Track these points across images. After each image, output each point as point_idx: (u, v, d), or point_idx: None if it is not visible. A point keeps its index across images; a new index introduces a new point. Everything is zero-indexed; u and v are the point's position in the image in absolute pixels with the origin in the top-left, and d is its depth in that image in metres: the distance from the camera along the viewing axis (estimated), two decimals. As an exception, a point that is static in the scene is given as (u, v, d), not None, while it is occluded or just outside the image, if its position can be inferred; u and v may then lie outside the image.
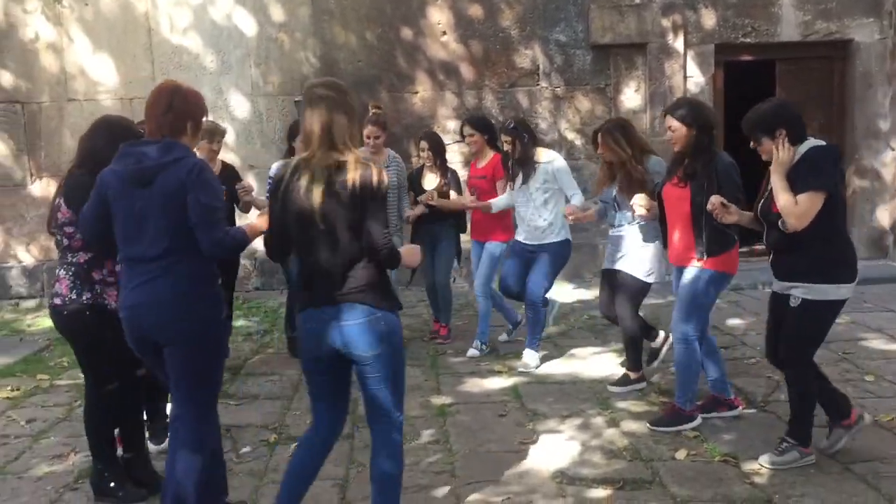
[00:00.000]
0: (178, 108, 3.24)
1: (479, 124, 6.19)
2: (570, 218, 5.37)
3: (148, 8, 8.50)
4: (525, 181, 5.62)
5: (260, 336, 6.93)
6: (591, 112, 8.81)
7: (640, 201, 4.63)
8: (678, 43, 8.58)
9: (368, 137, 5.99)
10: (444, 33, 8.68)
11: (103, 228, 3.27)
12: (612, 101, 8.79)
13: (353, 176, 2.87)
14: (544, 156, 5.65)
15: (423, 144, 6.35)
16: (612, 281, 5.16)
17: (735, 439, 4.30)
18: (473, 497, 3.73)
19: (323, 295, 2.97)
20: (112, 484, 3.79)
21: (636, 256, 5.01)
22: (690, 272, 4.37)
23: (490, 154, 6.17)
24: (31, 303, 8.52)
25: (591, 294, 8.22)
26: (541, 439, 4.39)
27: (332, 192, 2.88)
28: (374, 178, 2.90)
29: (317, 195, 2.88)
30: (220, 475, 3.45)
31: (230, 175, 5.83)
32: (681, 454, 4.11)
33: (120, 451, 3.92)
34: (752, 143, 3.89)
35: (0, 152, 8.59)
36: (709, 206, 4.01)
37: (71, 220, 3.60)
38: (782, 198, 3.69)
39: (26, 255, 8.72)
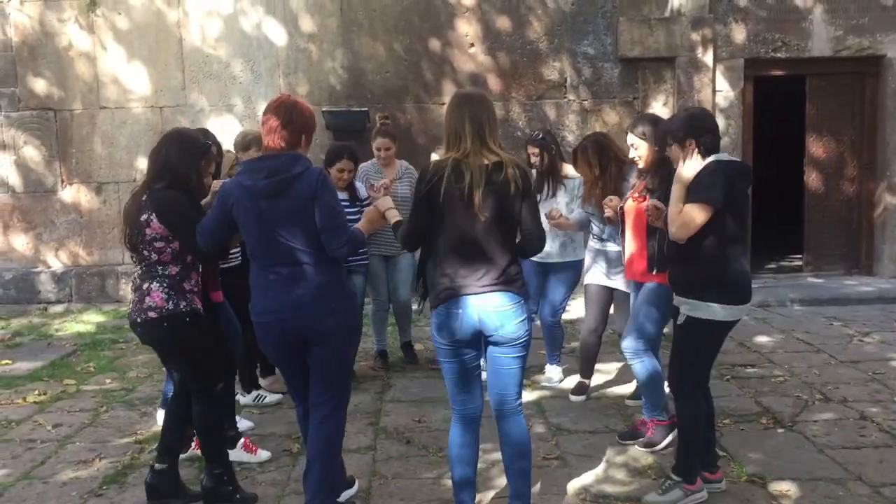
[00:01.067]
0: (297, 122, 3.42)
1: (543, 144, 5.71)
2: (552, 222, 5.02)
3: (180, 17, 8.60)
4: (552, 195, 5.54)
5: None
6: (618, 125, 8.77)
7: (609, 202, 4.63)
8: (707, 57, 8.53)
9: (379, 150, 5.99)
10: (472, 45, 8.70)
11: (224, 238, 3.60)
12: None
13: (511, 173, 3.19)
14: (571, 171, 5.52)
15: (534, 150, 6.15)
16: (604, 297, 5.14)
17: (762, 459, 4.23)
18: (496, 512, 3.70)
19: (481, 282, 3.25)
20: (230, 488, 3.84)
21: (610, 267, 5.02)
22: (647, 287, 4.37)
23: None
24: (59, 308, 8.61)
25: (616, 308, 8.17)
26: (564, 455, 4.36)
27: (492, 189, 3.17)
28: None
29: (478, 193, 3.15)
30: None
31: None
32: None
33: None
34: (666, 151, 3.85)
35: (32, 158, 8.72)
36: (643, 205, 4.02)
37: (162, 234, 3.63)
38: (672, 206, 3.65)
39: (55, 261, 8.82)
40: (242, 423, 4.75)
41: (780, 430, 4.67)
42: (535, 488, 3.94)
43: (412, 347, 6.45)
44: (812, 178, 9.09)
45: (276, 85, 8.64)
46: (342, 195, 5.75)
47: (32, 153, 8.72)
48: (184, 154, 3.71)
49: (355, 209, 5.52)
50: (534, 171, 5.59)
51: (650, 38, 8.53)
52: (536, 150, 5.58)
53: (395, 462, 4.30)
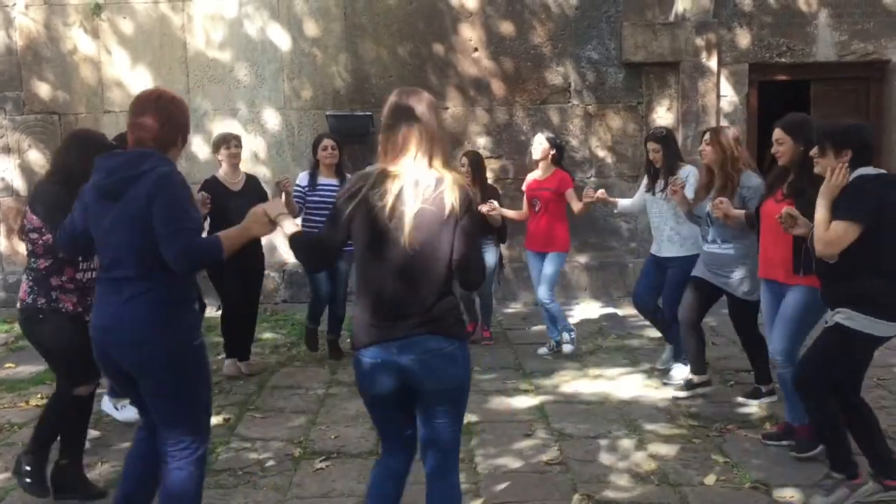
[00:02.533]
0: (175, 120, 3.06)
1: (553, 140, 6.42)
2: (672, 188, 5.26)
3: (184, 21, 8.62)
4: (663, 190, 5.60)
5: (287, 349, 6.94)
6: (622, 130, 8.78)
7: (718, 203, 4.66)
8: (712, 62, 8.51)
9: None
10: (476, 50, 8.70)
11: (82, 239, 3.16)
12: (643, 120, 8.74)
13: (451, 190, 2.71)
14: (682, 171, 5.61)
15: (464, 160, 6.72)
16: (703, 292, 5.17)
17: (766, 465, 4.22)
18: (498, 518, 3.69)
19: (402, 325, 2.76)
20: (76, 481, 3.92)
21: (740, 277, 4.99)
22: (796, 291, 4.25)
23: (553, 168, 6.35)
24: (62, 311, 8.61)
25: (620, 313, 8.16)
26: (567, 460, 4.34)
27: (427, 212, 2.68)
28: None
29: (409, 213, 2.67)
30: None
31: (254, 187, 6.02)
32: (710, 479, 4.04)
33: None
34: (812, 151, 3.77)
35: (36, 162, 8.73)
36: (777, 216, 3.92)
37: (35, 226, 3.72)
38: (817, 221, 3.61)
39: (59, 264, 8.83)
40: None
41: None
42: (538, 493, 3.93)
43: None
44: (816, 184, 9.06)
45: (280, 89, 8.66)
46: (332, 180, 6.18)
47: (37, 157, 8.73)
48: (83, 155, 3.56)
49: None
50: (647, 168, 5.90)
51: (654, 43, 8.52)
52: (657, 147, 5.70)
53: (397, 467, 4.28)
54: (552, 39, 8.69)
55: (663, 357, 6.06)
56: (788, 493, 3.88)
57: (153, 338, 2.92)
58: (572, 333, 6.49)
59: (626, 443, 4.60)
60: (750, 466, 4.20)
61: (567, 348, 6.40)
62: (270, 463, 4.40)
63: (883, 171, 3.74)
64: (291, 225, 3.03)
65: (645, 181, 5.96)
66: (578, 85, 8.73)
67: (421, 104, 2.79)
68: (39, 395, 5.67)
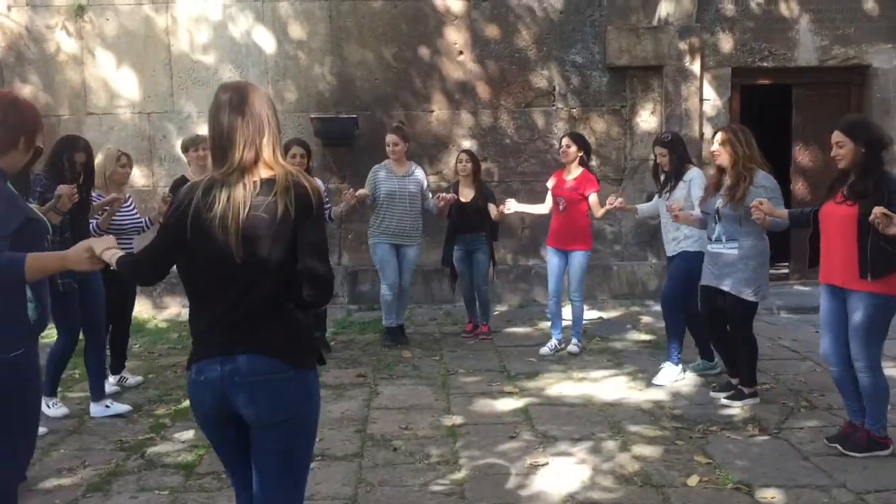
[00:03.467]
0: (13, 122, 2.87)
1: (579, 139, 6.62)
2: (613, 203, 5.91)
3: (168, 24, 8.59)
4: (671, 191, 5.78)
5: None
6: (606, 133, 8.82)
7: (759, 205, 4.66)
8: (695, 66, 8.57)
9: (388, 145, 6.76)
10: (461, 53, 8.72)
11: None
12: (627, 123, 8.79)
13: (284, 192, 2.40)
14: (688, 174, 5.76)
15: (463, 156, 6.99)
16: (716, 300, 5.20)
17: (748, 466, 4.24)
18: (482, 520, 3.70)
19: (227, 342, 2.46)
20: None
21: (740, 276, 5.04)
22: (863, 298, 4.20)
23: (579, 170, 6.53)
24: (45, 314, 8.55)
25: (604, 315, 8.19)
26: (551, 462, 4.35)
27: (256, 218, 2.39)
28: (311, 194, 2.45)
29: (235, 223, 2.39)
30: None
31: None
32: (692, 480, 4.06)
33: None
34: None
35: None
36: (871, 217, 3.88)
37: None
38: None
39: (42, 267, 8.76)
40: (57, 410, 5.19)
41: (765, 438, 4.68)
42: (523, 494, 3.94)
43: (404, 331, 7.12)
44: (798, 187, 9.14)
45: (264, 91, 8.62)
46: None
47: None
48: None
49: None
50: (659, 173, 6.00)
51: (638, 47, 8.57)
52: (664, 151, 5.82)
53: (382, 469, 4.29)
54: (537, 43, 8.72)
55: (695, 364, 6.02)
56: (770, 493, 3.90)
57: None
58: (578, 342, 6.70)
59: (610, 444, 4.61)
60: (733, 467, 4.22)
61: (573, 349, 6.61)
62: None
63: None
64: (115, 255, 2.63)
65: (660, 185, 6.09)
66: (563, 88, 8.77)
67: (244, 97, 2.51)
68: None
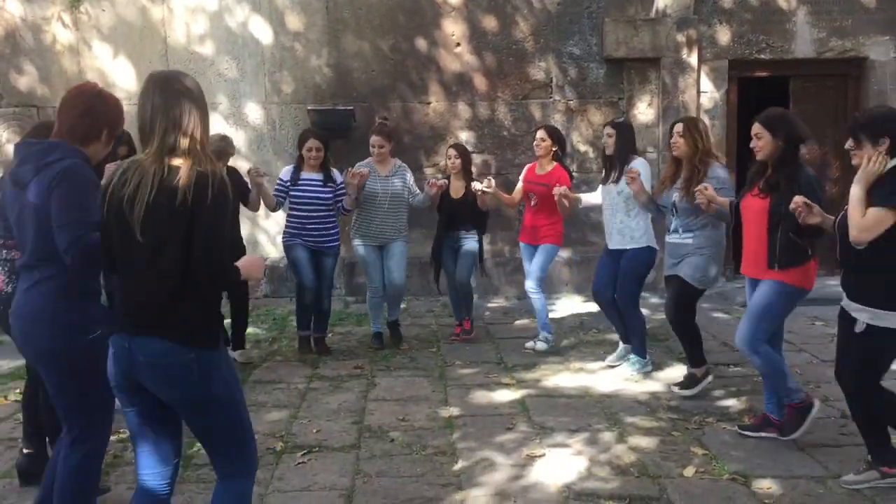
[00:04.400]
0: (99, 114, 3.09)
1: (554, 133, 6.40)
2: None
3: (164, 15, 8.56)
4: (616, 181, 5.70)
5: (268, 343, 6.93)
6: (603, 125, 8.78)
7: (703, 189, 4.68)
8: (692, 58, 8.57)
9: (373, 146, 6.46)
10: (458, 44, 8.70)
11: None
12: (625, 115, 8.78)
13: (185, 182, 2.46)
14: (634, 163, 5.61)
15: (452, 152, 6.67)
16: (672, 287, 5.26)
17: (744, 457, 4.26)
18: (479, 510, 3.71)
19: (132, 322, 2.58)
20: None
21: (691, 262, 5.09)
22: (766, 284, 4.31)
23: (552, 164, 6.33)
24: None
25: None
26: (548, 453, 4.37)
27: (158, 201, 2.47)
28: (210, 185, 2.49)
29: (140, 203, 2.48)
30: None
31: (234, 179, 6.07)
32: (689, 471, 4.08)
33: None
34: (847, 143, 3.79)
35: (15, 155, 8.64)
36: (791, 206, 3.94)
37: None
38: (853, 208, 3.62)
39: (38, 258, 8.74)
40: None
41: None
42: (519, 485, 3.95)
43: (398, 327, 6.86)
44: (795, 179, 9.15)
45: (260, 83, 8.62)
46: (316, 175, 6.29)
47: (15, 150, 8.63)
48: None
49: (328, 189, 6.30)
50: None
51: (635, 39, 8.56)
52: (613, 132, 5.73)
53: (379, 460, 4.30)
54: (534, 35, 8.71)
55: (615, 354, 6.08)
56: (766, 483, 3.92)
57: (42, 329, 2.95)
58: (550, 334, 6.50)
59: (607, 436, 4.63)
60: (729, 458, 4.24)
61: (540, 346, 6.41)
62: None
63: None
64: None
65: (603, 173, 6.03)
66: (560, 80, 8.76)
67: (170, 85, 2.58)
68: (18, 391, 5.62)
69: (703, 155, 5.06)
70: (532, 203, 6.39)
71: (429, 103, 8.75)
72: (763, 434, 4.50)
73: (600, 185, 6.09)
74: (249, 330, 7.30)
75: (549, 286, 8.77)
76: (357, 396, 5.42)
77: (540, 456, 4.33)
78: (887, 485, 3.79)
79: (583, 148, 8.82)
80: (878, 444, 3.85)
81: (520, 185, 6.57)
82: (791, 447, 4.38)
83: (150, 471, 2.72)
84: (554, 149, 6.33)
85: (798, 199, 3.93)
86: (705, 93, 8.74)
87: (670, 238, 5.24)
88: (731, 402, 5.17)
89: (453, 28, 8.68)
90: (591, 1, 8.66)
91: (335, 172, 6.43)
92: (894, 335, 3.64)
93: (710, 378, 5.29)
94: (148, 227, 2.47)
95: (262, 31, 8.61)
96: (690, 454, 4.32)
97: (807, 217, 3.93)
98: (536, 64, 8.74)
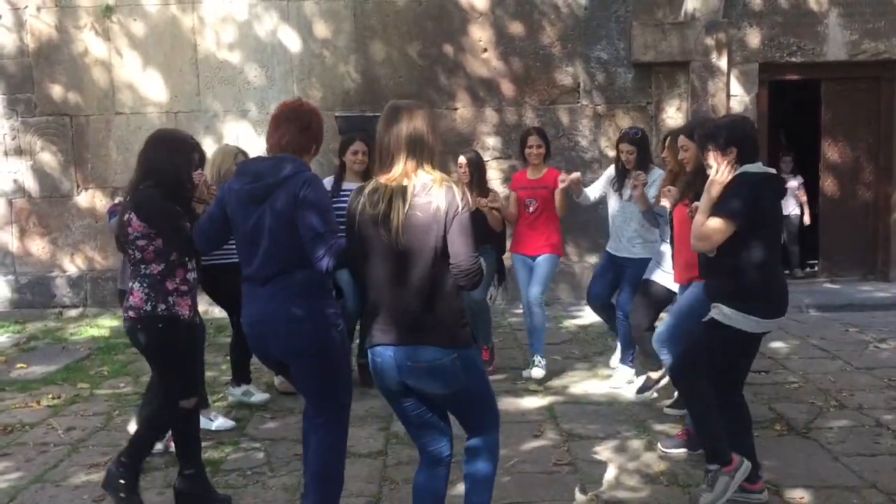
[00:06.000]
0: (315, 129, 3.36)
1: (545, 136, 6.12)
2: (568, 179, 5.58)
3: (194, 24, 8.65)
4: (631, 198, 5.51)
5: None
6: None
7: (667, 192, 4.67)
8: (722, 62, 8.48)
9: None
10: (485, 50, 8.70)
11: (220, 238, 3.48)
12: (653, 120, 8.72)
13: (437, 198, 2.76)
14: (652, 174, 5.49)
15: (462, 161, 6.12)
16: (657, 295, 5.21)
17: (776, 466, 4.19)
18: (506, 518, 3.69)
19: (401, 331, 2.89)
20: (202, 490, 3.86)
21: (668, 267, 5.03)
22: (691, 288, 4.40)
23: (545, 167, 6.04)
24: (74, 312, 8.67)
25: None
26: (575, 461, 4.34)
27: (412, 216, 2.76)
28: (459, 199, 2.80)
29: (397, 218, 2.77)
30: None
31: None
32: (719, 480, 4.02)
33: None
34: (702, 154, 3.78)
35: (48, 164, 8.78)
36: (688, 212, 3.99)
37: (143, 233, 3.62)
38: (698, 216, 3.64)
39: (71, 266, 8.88)
40: (222, 421, 5.00)
41: (794, 437, 4.62)
42: (547, 493, 3.92)
43: None
44: (828, 184, 9.04)
45: (289, 90, 8.67)
46: (358, 185, 5.71)
47: (48, 158, 8.78)
48: (170, 154, 3.71)
49: None
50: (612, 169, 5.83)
51: (664, 43, 8.50)
52: (633, 149, 5.56)
53: (406, 467, 4.29)
54: (561, 39, 8.68)
55: (614, 357, 6.02)
56: (798, 493, 3.86)
57: (306, 327, 3.20)
58: (542, 360, 5.85)
59: (636, 443, 4.59)
60: (761, 467, 4.17)
61: (537, 372, 5.77)
62: (279, 463, 4.41)
63: (770, 169, 3.75)
64: None
65: (609, 174, 5.85)
66: (588, 85, 8.72)
67: (411, 113, 2.86)
68: (51, 396, 5.71)
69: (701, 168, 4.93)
70: (531, 210, 5.94)
71: (456, 109, 8.75)
72: (679, 451, 4.39)
73: (598, 184, 5.93)
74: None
75: (577, 292, 8.73)
76: (384, 403, 5.36)
77: (567, 463, 4.30)
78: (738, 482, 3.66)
79: (611, 153, 8.72)
80: (705, 438, 3.79)
81: (513, 196, 6.12)
82: (825, 456, 4.31)
83: (434, 445, 3.09)
84: (544, 151, 6.01)
85: (692, 206, 3.91)
86: (735, 96, 8.64)
87: (665, 247, 5.11)
88: (762, 410, 5.10)
89: (480, 34, 8.68)
90: (619, 5, 8.62)
91: None
92: (732, 334, 3.63)
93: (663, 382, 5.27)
94: (405, 240, 2.75)
95: (291, 39, 8.67)
96: (721, 463, 4.26)
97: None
98: (564, 69, 8.71)
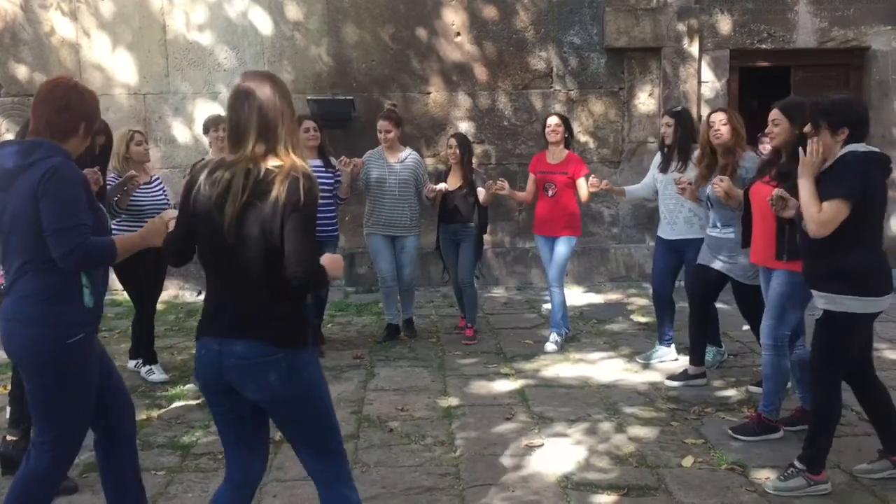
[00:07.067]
0: (77, 107, 2.94)
1: (566, 120, 6.33)
2: (600, 185, 5.74)
3: (163, 4, 8.53)
4: (681, 170, 5.51)
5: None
6: (604, 115, 8.79)
7: (719, 182, 4.64)
8: (693, 48, 8.54)
9: (380, 132, 6.38)
10: (459, 34, 8.67)
11: None
12: (625, 105, 8.76)
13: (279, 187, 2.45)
14: (695, 154, 5.45)
15: (452, 142, 6.48)
16: (709, 277, 5.11)
17: (743, 447, 4.26)
18: (477, 500, 3.71)
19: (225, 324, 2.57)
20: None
21: (739, 261, 4.95)
22: (780, 275, 4.24)
23: (565, 152, 6.24)
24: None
25: (601, 298, 8.21)
26: (547, 443, 4.37)
27: (251, 203, 2.46)
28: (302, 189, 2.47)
29: (231, 205, 2.46)
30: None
31: None
32: (687, 461, 4.08)
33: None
34: (806, 128, 3.68)
35: (14, 145, 8.62)
36: (768, 198, 3.92)
37: None
38: (805, 201, 3.56)
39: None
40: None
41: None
42: (518, 475, 3.95)
43: (413, 324, 6.77)
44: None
45: (261, 73, 8.58)
46: (315, 161, 6.07)
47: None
48: None
49: (328, 175, 6.06)
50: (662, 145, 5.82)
51: (636, 29, 8.53)
52: (671, 122, 5.61)
53: (378, 450, 4.30)
54: (535, 24, 8.68)
55: (651, 352, 5.92)
56: (764, 474, 3.92)
57: (22, 333, 2.87)
58: (565, 332, 6.37)
59: (606, 426, 4.63)
60: (727, 448, 4.24)
61: (550, 347, 6.18)
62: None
63: (873, 148, 3.66)
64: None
65: (657, 161, 5.81)
66: (561, 70, 8.73)
67: (264, 87, 2.56)
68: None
69: (740, 143, 4.96)
70: (550, 194, 6.17)
71: (429, 93, 8.73)
72: (801, 427, 4.30)
73: (651, 175, 5.87)
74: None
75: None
76: (356, 386, 5.42)
77: (539, 446, 4.33)
78: (812, 493, 3.72)
79: (584, 138, 8.79)
80: (814, 448, 3.78)
81: (532, 177, 6.40)
82: (790, 437, 4.37)
83: (244, 464, 2.74)
84: (566, 135, 6.24)
85: (775, 192, 3.89)
86: (706, 83, 8.70)
87: (711, 232, 5.09)
88: (731, 393, 5.18)
89: (454, 17, 8.65)
90: (592, -10, 8.63)
91: (332, 159, 6.30)
92: (849, 320, 3.61)
93: (702, 380, 5.29)
94: (240, 229, 2.47)
95: (262, 21, 8.58)
96: (689, 444, 4.32)
97: (781, 210, 3.89)
98: (537, 54, 8.71)
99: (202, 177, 2.55)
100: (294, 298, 2.59)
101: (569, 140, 6.31)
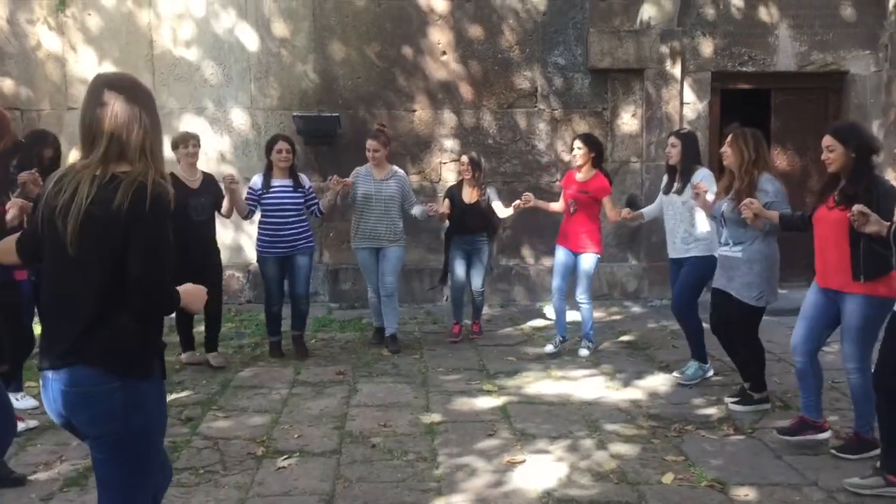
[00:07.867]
0: None
1: (589, 140, 6.51)
2: (623, 215, 6.16)
3: (151, 19, 8.55)
4: (679, 192, 5.74)
5: (251, 349, 6.92)
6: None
7: (749, 204, 4.69)
8: (676, 69, 8.65)
9: (368, 150, 6.64)
10: (444, 53, 8.74)
11: None
12: (609, 125, 8.85)
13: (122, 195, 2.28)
14: (697, 174, 5.67)
15: (464, 159, 6.94)
16: (723, 302, 5.17)
17: (722, 464, 4.30)
18: (459, 516, 3.73)
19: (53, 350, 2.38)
20: None
21: (744, 281, 5.00)
22: (854, 302, 4.24)
23: (592, 171, 6.46)
24: (22, 309, 8.49)
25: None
26: (528, 459, 4.39)
27: (93, 212, 2.30)
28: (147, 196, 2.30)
29: (74, 215, 2.31)
30: None
31: (210, 185, 6.27)
32: (667, 478, 4.11)
33: None
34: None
35: (-3, 158, 8.59)
36: (849, 214, 3.95)
37: None
38: None
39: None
40: (26, 402, 5.18)
41: (740, 437, 4.74)
42: (500, 491, 3.97)
43: (397, 339, 6.86)
44: (776, 191, 9.23)
45: (246, 89, 8.62)
46: (285, 181, 6.44)
47: (-2, 153, 8.59)
48: None
49: (298, 194, 6.43)
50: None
51: (620, 50, 8.63)
52: (677, 142, 5.79)
53: (360, 466, 4.31)
54: (520, 44, 8.76)
55: (685, 369, 5.92)
56: (744, 491, 3.96)
57: None
58: (592, 343, 6.69)
59: (587, 443, 4.66)
60: (707, 466, 4.28)
61: (584, 352, 6.57)
62: (232, 462, 4.39)
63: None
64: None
65: (663, 184, 6.06)
66: (545, 90, 8.82)
67: (118, 91, 2.41)
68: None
69: (748, 166, 4.96)
70: (571, 210, 6.41)
71: (414, 111, 8.78)
72: (868, 454, 4.32)
73: (660, 196, 6.09)
74: (232, 335, 7.29)
75: (533, 294, 8.83)
76: (339, 402, 5.42)
77: (520, 462, 4.35)
78: (888, 494, 3.82)
79: (567, 158, 8.85)
80: (891, 448, 3.89)
81: (563, 192, 6.64)
82: (769, 455, 4.42)
83: None
84: (592, 155, 6.41)
85: (854, 208, 3.90)
86: (688, 104, 8.81)
87: (722, 251, 5.17)
88: (711, 411, 5.22)
89: (439, 36, 8.72)
90: (577, 11, 8.73)
91: (303, 177, 6.60)
92: None
93: (766, 406, 5.23)
94: (80, 240, 2.30)
95: (249, 37, 8.62)
96: (669, 461, 4.35)
97: (862, 226, 3.89)
98: (522, 73, 8.79)
99: (50, 185, 2.41)
100: (141, 322, 2.38)
101: (596, 160, 6.46)
